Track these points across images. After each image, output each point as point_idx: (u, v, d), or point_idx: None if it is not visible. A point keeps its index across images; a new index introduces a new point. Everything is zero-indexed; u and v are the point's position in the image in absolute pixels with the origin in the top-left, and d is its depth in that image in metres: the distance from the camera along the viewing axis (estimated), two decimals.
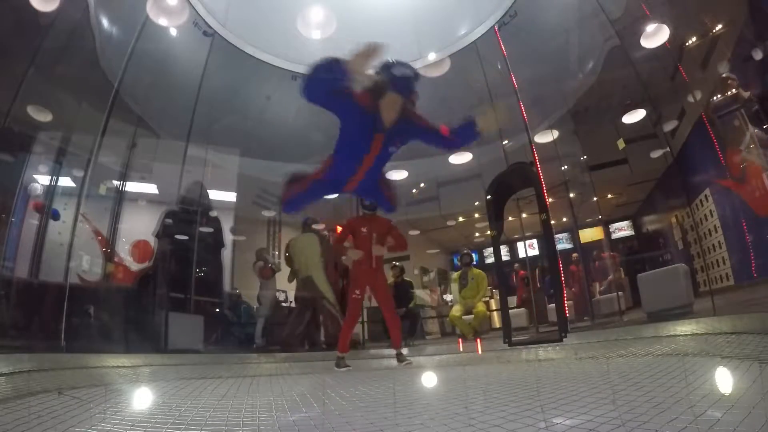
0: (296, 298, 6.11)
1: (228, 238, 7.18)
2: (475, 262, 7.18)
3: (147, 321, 5.52)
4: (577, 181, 7.07)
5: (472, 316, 6.21)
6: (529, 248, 8.25)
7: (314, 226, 6.33)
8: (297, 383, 3.27)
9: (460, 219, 9.30)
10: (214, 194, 7.08)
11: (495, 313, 8.27)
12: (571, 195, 7.05)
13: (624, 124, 6.52)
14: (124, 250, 6.17)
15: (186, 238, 6.38)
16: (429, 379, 3.18)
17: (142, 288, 5.89)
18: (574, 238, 7.77)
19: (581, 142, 7.01)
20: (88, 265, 5.62)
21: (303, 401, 2.30)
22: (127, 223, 6.03)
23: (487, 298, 8.06)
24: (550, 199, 5.56)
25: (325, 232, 6.84)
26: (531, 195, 5.59)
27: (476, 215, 8.76)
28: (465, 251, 6.91)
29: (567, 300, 5.55)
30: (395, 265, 6.96)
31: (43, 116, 5.35)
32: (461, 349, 5.34)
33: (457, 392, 2.50)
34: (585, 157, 7.04)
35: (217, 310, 6.78)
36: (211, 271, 6.81)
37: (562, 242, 7.90)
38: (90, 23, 5.30)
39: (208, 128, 6.61)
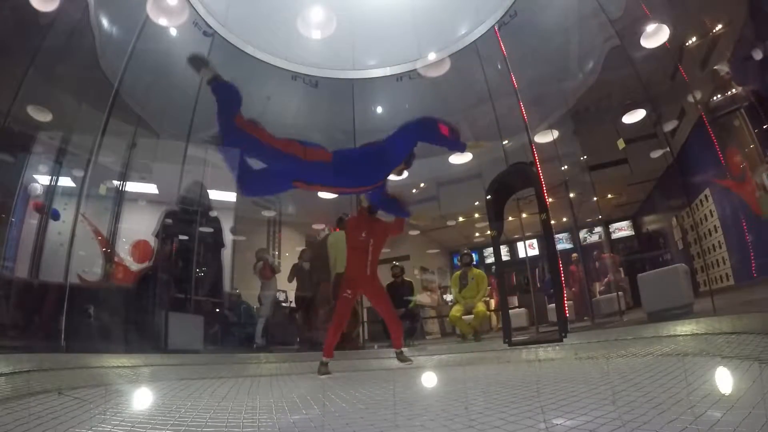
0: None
1: (228, 238, 7.16)
2: (475, 262, 7.17)
3: (147, 321, 5.51)
4: (577, 181, 7.07)
5: (472, 316, 6.21)
6: (529, 248, 8.24)
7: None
8: (297, 384, 3.27)
9: (460, 219, 9.29)
10: (214, 194, 7.06)
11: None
12: (571, 195, 7.05)
13: (624, 124, 6.50)
14: (124, 250, 6.17)
15: (186, 238, 6.37)
16: (429, 380, 3.18)
17: (142, 288, 5.88)
18: (574, 238, 7.77)
19: (581, 142, 7.00)
20: (88, 265, 5.62)
21: (303, 402, 2.30)
22: (127, 223, 6.02)
23: (487, 298, 8.04)
24: (550, 199, 5.55)
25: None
26: (531, 195, 5.58)
27: (476, 215, 8.76)
28: (465, 251, 6.90)
29: (567, 300, 5.54)
30: (395, 265, 6.95)
31: (43, 116, 5.35)
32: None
33: (457, 393, 2.50)
34: (585, 157, 7.03)
35: (217, 310, 6.78)
36: (211, 271, 6.81)
37: (562, 242, 7.90)
38: (90, 23, 5.29)
39: (207, 128, 6.60)
